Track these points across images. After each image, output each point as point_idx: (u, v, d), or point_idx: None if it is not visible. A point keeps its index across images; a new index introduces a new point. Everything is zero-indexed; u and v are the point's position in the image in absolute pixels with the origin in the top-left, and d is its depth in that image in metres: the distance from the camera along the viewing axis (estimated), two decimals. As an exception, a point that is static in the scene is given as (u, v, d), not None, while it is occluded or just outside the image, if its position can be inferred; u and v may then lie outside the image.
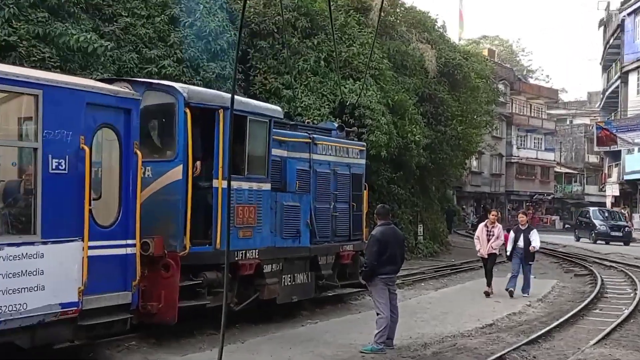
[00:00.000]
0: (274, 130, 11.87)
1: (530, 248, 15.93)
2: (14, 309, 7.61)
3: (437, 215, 33.45)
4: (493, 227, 16.13)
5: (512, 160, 66.45)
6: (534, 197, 70.81)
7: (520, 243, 16.03)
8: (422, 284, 19.35)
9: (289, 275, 12.50)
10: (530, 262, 16.27)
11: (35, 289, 7.82)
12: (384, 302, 9.83)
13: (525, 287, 16.24)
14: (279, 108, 12.62)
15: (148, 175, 10.07)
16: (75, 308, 8.26)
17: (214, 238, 10.51)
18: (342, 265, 14.27)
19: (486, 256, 16.13)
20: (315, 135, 13.64)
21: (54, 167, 8.08)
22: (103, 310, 8.67)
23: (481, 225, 16.47)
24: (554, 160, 73.36)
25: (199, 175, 10.46)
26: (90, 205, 8.42)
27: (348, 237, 14.38)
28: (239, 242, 10.98)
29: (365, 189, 15.23)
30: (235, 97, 9.28)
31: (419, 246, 28.32)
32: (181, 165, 10.11)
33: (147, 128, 10.42)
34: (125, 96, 9.13)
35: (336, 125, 15.46)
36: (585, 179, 77.26)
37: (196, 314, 11.03)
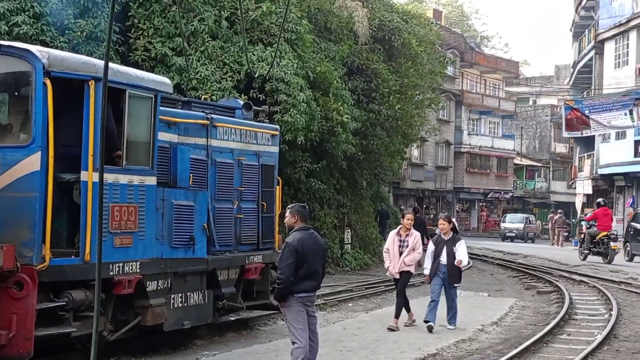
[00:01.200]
0: (160, 108, 11.78)
1: (455, 262, 14.78)
2: None
3: (368, 217, 33.84)
4: (408, 235, 15.15)
5: (462, 150, 67.88)
6: (489, 196, 72.56)
7: (443, 258, 14.87)
8: (350, 305, 19.56)
9: (180, 295, 12.45)
10: (455, 284, 15.18)
11: None
12: (301, 328, 9.89)
13: (451, 318, 15.31)
14: (167, 80, 12.52)
15: (-5, 165, 9.86)
16: None
17: (82, 247, 10.37)
18: (248, 282, 14.30)
19: (397, 276, 15.18)
20: (214, 116, 13.62)
21: None
22: None
23: (392, 233, 15.44)
24: (514, 150, 75.32)
25: (61, 166, 10.30)
26: None
27: (256, 246, 14.42)
28: (115, 252, 10.87)
29: (278, 184, 15.29)
30: (111, 65, 9.19)
31: (345, 257, 28.58)
32: (39, 153, 9.93)
33: (-7, 104, 10.20)
34: (-36, 62, 8.91)
35: (242, 103, 15.45)
36: (551, 173, 79.69)
37: (59, 345, 10.88)
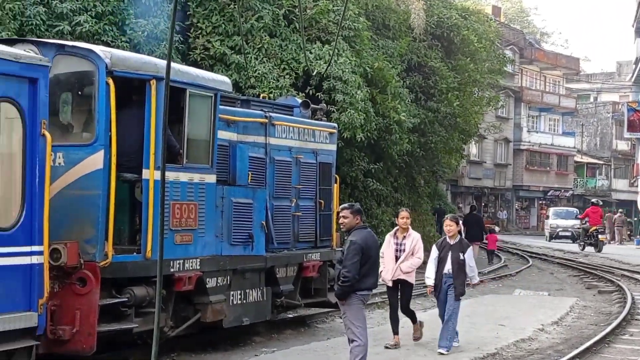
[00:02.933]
0: (220, 107, 11.91)
1: (471, 283, 13.09)
2: None
3: (426, 216, 33.69)
4: (405, 237, 12.97)
5: (522, 147, 67.22)
6: (549, 194, 71.73)
7: (448, 266, 12.55)
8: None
9: (239, 292, 12.57)
10: (459, 297, 12.72)
11: None
12: (362, 326, 9.93)
13: (444, 339, 12.62)
14: (226, 78, 12.65)
15: (59, 163, 10.07)
16: (-35, 333, 8.24)
17: (144, 244, 10.54)
18: (306, 279, 14.38)
19: (390, 283, 13.00)
20: (273, 114, 13.71)
21: (-63, 153, 8.05)
22: (0, 335, 8.65)
23: (388, 235, 13.18)
24: (574, 148, 74.37)
25: (124, 164, 10.47)
26: (-16, 201, 8.40)
27: (314, 244, 14.50)
28: (176, 249, 11.02)
29: (335, 182, 15.34)
30: (172, 64, 9.31)
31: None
32: (102, 151, 10.11)
33: (58, 103, 10.40)
34: (30, 62, 9.09)
35: (300, 101, 15.54)
36: (612, 171, 78.42)
37: (121, 341, 11.05)
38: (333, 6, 22.32)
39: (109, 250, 10.04)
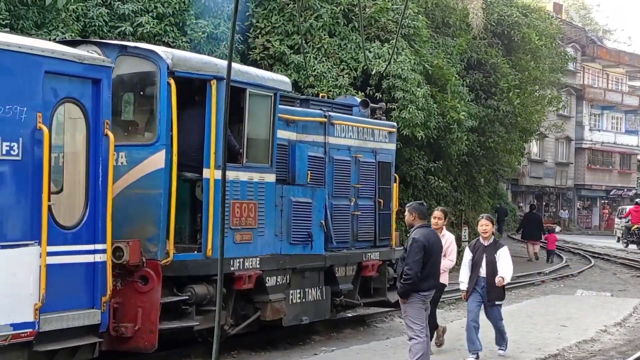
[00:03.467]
0: (279, 106, 11.96)
1: (496, 280, 11.74)
2: (-45, 330, 7.76)
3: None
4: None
5: (583, 146, 66.30)
6: (611, 193, 70.65)
7: (482, 269, 11.79)
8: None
9: (298, 291, 12.61)
10: (497, 302, 12.00)
11: (-19, 305, 7.97)
12: (421, 325, 9.91)
13: (500, 340, 12.32)
14: (286, 78, 12.72)
15: (122, 162, 10.21)
16: (31, 329, 8.40)
17: (204, 243, 10.64)
18: (365, 279, 14.37)
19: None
20: (332, 113, 13.73)
21: (4, 152, 8.23)
22: (65, 332, 8.81)
23: None
24: (637, 146, 73.10)
25: (184, 164, 10.57)
26: (49, 200, 8.56)
27: (373, 243, 14.48)
28: (236, 248, 11.10)
29: (395, 182, 15.31)
30: (232, 64, 9.37)
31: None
32: (163, 151, 10.23)
33: (120, 103, 10.54)
34: (93, 63, 9.26)
35: (359, 100, 15.53)
36: (676, 169, 76.90)
37: (182, 339, 11.16)
38: (392, 5, 22.26)
39: (170, 249, 10.15)
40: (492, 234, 12.06)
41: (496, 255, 11.73)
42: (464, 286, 12.02)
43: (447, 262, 11.91)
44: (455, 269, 13.60)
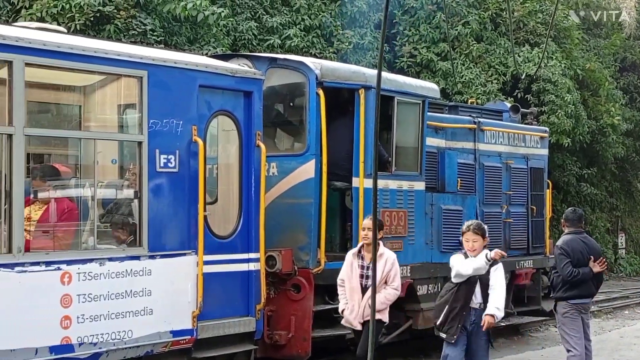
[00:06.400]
0: (428, 113, 11.91)
1: (484, 318, 8.24)
2: (118, 336, 8.05)
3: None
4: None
5: None
6: None
7: (477, 297, 8.34)
8: (626, 312, 18.79)
9: (450, 299, 12.48)
10: (484, 337, 8.44)
11: (142, 312, 8.25)
12: (577, 336, 9.64)
13: None
14: (434, 85, 12.66)
15: (273, 173, 10.39)
16: (189, 337, 8.64)
17: (355, 251, 10.66)
18: (519, 287, 14.10)
19: (359, 327, 9.17)
20: (481, 120, 13.58)
21: (161, 165, 8.50)
22: (222, 339, 9.02)
23: (349, 254, 9.24)
24: None
25: (334, 173, 10.65)
26: (205, 210, 8.79)
27: (526, 251, 14.22)
28: (387, 256, 11.08)
29: (548, 188, 14.98)
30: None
31: (619, 262, 27.50)
32: (313, 160, 10.35)
33: (270, 114, 10.72)
34: (245, 76, 9.46)
35: (509, 105, 15.30)
36: None
37: (334, 347, 11.24)
38: (540, 7, 21.86)
39: (322, 257, 10.23)
40: (483, 248, 8.37)
41: (489, 277, 8.31)
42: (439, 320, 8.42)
43: (389, 292, 9.01)
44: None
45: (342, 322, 9.25)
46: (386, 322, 9.27)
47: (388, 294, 9.01)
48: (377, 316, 8.57)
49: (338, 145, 10.78)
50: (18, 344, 7.26)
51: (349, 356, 11.50)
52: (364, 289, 9.00)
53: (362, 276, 9.04)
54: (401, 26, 20.61)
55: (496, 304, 8.23)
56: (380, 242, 8.95)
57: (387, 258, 9.03)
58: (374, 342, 6.27)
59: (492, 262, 8.29)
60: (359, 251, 9.12)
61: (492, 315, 8.21)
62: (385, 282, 9.00)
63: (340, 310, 9.19)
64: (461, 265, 8.30)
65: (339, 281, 9.16)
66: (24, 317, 7.32)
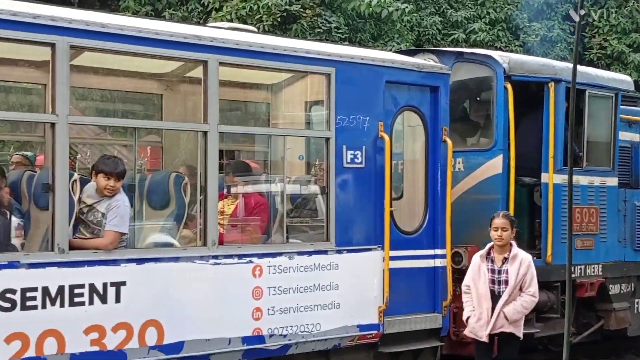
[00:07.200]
0: (621, 107, 11.50)
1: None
2: (306, 329, 8.20)
3: None
4: (506, 259, 8.23)
5: None
6: None
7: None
8: None
9: (644, 300, 12.04)
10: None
11: (330, 306, 8.36)
12: None
13: None
14: (627, 78, 12.20)
15: (459, 168, 10.29)
16: (376, 331, 8.69)
17: (544, 249, 10.44)
18: None
19: (485, 339, 8.22)
20: (678, 113, 12.97)
21: (348, 161, 8.58)
22: (407, 335, 9.03)
23: (476, 257, 8.44)
24: None
25: (521, 168, 10.45)
26: (391, 206, 8.81)
27: None
28: (577, 254, 10.75)
29: None
30: (570, 65, 9.14)
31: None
32: (501, 155, 10.19)
33: (456, 109, 10.63)
34: (431, 71, 9.42)
35: None
36: None
37: (522, 346, 11.04)
38: None
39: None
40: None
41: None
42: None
43: (525, 299, 8.14)
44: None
45: (465, 331, 8.47)
46: (521, 337, 8.32)
47: (525, 302, 8.12)
48: (510, 329, 8.09)
49: (525, 139, 10.57)
50: (212, 334, 7.52)
51: (537, 355, 11.31)
52: (494, 296, 8.12)
53: (492, 281, 8.15)
54: (590, 17, 19.98)
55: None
56: (514, 243, 8.28)
57: (522, 260, 8.17)
58: None
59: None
60: (488, 253, 8.27)
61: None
62: (520, 289, 8.13)
63: (464, 318, 8.40)
64: None
65: (463, 287, 8.38)
66: (217, 308, 7.57)
